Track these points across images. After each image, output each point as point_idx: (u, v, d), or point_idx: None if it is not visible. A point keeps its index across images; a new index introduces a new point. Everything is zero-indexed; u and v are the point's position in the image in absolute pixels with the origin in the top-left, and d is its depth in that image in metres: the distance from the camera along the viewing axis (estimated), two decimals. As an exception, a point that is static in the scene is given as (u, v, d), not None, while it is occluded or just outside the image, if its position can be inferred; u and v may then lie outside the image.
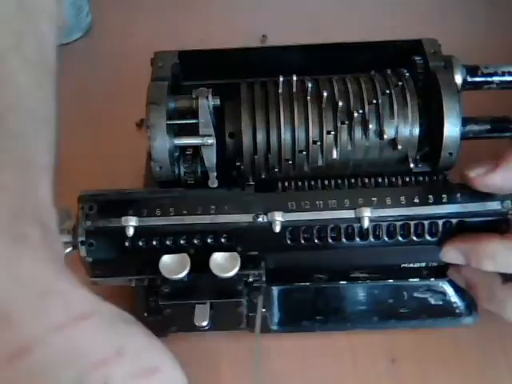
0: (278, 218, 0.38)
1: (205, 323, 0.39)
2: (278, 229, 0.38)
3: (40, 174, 0.31)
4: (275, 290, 0.44)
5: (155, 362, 0.29)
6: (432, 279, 0.44)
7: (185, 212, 0.39)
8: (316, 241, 0.39)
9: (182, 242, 0.39)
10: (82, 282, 0.41)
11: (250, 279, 0.40)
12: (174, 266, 0.38)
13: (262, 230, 0.39)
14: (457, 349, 0.43)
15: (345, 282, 0.44)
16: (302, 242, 0.39)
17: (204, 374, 0.43)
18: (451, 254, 0.39)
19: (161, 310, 0.40)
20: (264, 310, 0.42)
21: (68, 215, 0.40)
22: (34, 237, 0.28)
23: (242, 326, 0.42)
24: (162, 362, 0.29)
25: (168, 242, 0.39)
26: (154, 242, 0.39)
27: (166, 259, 0.39)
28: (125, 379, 0.27)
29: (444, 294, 0.44)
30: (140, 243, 0.39)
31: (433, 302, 0.44)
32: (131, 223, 0.38)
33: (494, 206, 0.39)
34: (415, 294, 0.44)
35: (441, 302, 0.44)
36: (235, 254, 0.38)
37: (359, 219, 0.38)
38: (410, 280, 0.44)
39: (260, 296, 0.39)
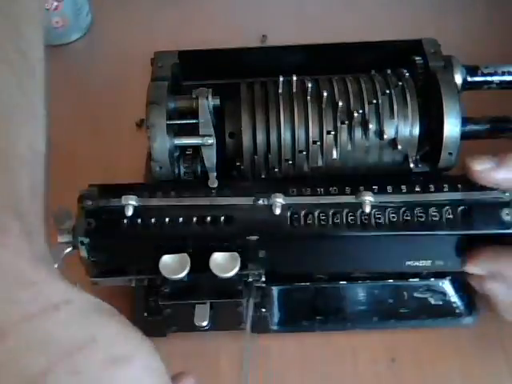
0: (279, 201, 0.38)
1: (205, 323, 0.39)
2: (278, 211, 0.38)
3: (20, 168, 0.31)
4: (275, 290, 0.44)
5: (128, 351, 0.29)
6: (432, 279, 0.44)
7: (185, 194, 0.39)
8: (316, 225, 0.39)
9: (182, 230, 0.39)
10: (82, 282, 0.42)
11: (250, 279, 0.40)
12: (174, 265, 0.38)
13: (262, 213, 0.39)
14: (457, 349, 0.43)
15: (345, 282, 0.44)
16: (303, 225, 0.39)
17: (204, 374, 0.43)
18: (475, 270, 0.40)
19: (161, 310, 0.40)
20: (264, 310, 0.42)
21: (68, 215, 0.40)
22: (13, 228, 0.28)
23: (242, 326, 0.42)
24: (135, 350, 0.29)
25: (169, 228, 0.39)
26: (153, 220, 0.39)
27: (166, 259, 0.39)
28: (96, 368, 0.27)
29: (444, 294, 0.44)
30: (139, 224, 0.39)
31: (433, 302, 0.44)
32: (130, 202, 0.39)
33: (497, 194, 0.39)
34: (415, 294, 0.44)
35: (441, 302, 0.44)
36: (235, 253, 0.38)
37: (361, 204, 0.38)
38: (410, 280, 0.44)
39: (252, 296, 0.39)
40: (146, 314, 0.42)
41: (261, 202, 0.39)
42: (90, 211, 0.39)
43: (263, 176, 0.43)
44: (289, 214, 0.39)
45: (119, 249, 0.41)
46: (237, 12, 0.69)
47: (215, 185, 0.42)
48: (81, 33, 0.67)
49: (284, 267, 0.42)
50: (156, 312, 0.41)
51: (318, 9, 0.68)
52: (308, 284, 0.44)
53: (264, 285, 0.41)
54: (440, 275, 0.43)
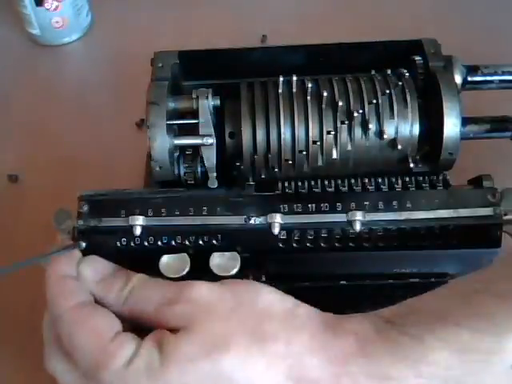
0: (277, 220, 0.38)
1: (205, 323, 0.39)
2: (276, 231, 0.38)
3: None
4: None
5: None
6: (432, 279, 0.44)
7: (177, 213, 0.39)
8: (308, 244, 0.39)
9: (173, 243, 0.39)
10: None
11: (250, 279, 0.40)
12: (174, 265, 0.38)
13: (255, 232, 0.39)
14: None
15: (345, 282, 0.44)
16: (294, 245, 0.39)
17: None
18: None
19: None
20: None
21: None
22: None
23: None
24: None
25: (159, 243, 0.39)
26: (144, 242, 0.39)
27: (166, 259, 0.38)
28: None
29: (444, 293, 0.44)
30: (130, 245, 0.39)
31: (433, 301, 0.44)
32: (137, 222, 0.38)
33: (487, 212, 0.39)
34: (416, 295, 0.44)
35: (441, 302, 0.44)
36: (235, 253, 0.38)
37: (351, 223, 0.38)
38: (410, 280, 0.44)
39: None
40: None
41: (252, 221, 0.39)
42: (82, 231, 0.39)
43: (263, 176, 0.43)
44: (281, 232, 0.39)
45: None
46: (237, 12, 0.69)
47: (215, 185, 0.42)
48: (81, 33, 0.67)
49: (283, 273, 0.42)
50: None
51: (318, 9, 0.68)
52: (308, 284, 0.44)
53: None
54: (440, 275, 0.43)
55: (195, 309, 0.33)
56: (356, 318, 0.34)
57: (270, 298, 0.35)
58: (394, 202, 0.39)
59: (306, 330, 0.33)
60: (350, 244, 0.39)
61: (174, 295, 0.34)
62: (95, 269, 0.37)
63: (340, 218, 0.39)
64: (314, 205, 0.39)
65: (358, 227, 0.38)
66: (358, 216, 0.38)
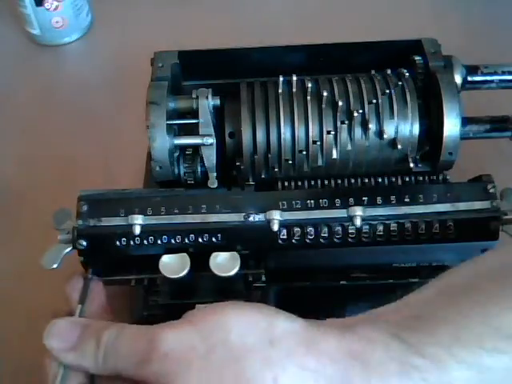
0: (276, 217, 0.38)
1: (205, 323, 0.39)
2: (275, 227, 0.38)
3: None
4: (275, 290, 0.44)
5: None
6: (432, 279, 0.44)
7: (176, 211, 0.39)
8: (307, 241, 0.39)
9: (172, 242, 0.39)
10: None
11: (250, 279, 0.40)
12: (174, 265, 0.38)
13: (254, 230, 0.39)
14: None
15: (345, 282, 0.44)
16: (294, 241, 0.39)
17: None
18: None
19: (161, 310, 0.40)
20: None
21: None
22: None
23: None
24: None
25: (159, 242, 0.39)
26: (144, 240, 0.39)
27: (166, 259, 0.38)
28: None
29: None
30: (130, 243, 0.39)
31: (433, 301, 0.44)
32: (137, 222, 0.38)
33: (485, 205, 0.39)
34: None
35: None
36: (235, 253, 0.38)
37: (351, 218, 0.39)
38: (410, 280, 0.44)
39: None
40: (145, 314, 0.42)
41: (251, 218, 0.39)
42: (82, 231, 0.39)
43: (263, 176, 0.43)
44: (280, 229, 0.39)
45: (114, 264, 0.41)
46: (237, 12, 0.69)
47: (215, 185, 0.42)
48: (81, 33, 0.67)
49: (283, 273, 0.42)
50: (156, 312, 0.41)
51: (318, 9, 0.68)
52: (308, 284, 0.44)
53: (264, 285, 0.41)
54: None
55: (169, 366, 0.31)
56: (352, 333, 0.32)
57: (241, 330, 0.31)
58: (392, 197, 0.39)
59: (291, 359, 0.31)
60: (350, 239, 0.39)
61: (146, 353, 0.32)
62: (61, 338, 0.34)
63: (340, 213, 0.39)
64: (312, 201, 0.39)
65: (358, 222, 0.38)
66: (358, 211, 0.38)
